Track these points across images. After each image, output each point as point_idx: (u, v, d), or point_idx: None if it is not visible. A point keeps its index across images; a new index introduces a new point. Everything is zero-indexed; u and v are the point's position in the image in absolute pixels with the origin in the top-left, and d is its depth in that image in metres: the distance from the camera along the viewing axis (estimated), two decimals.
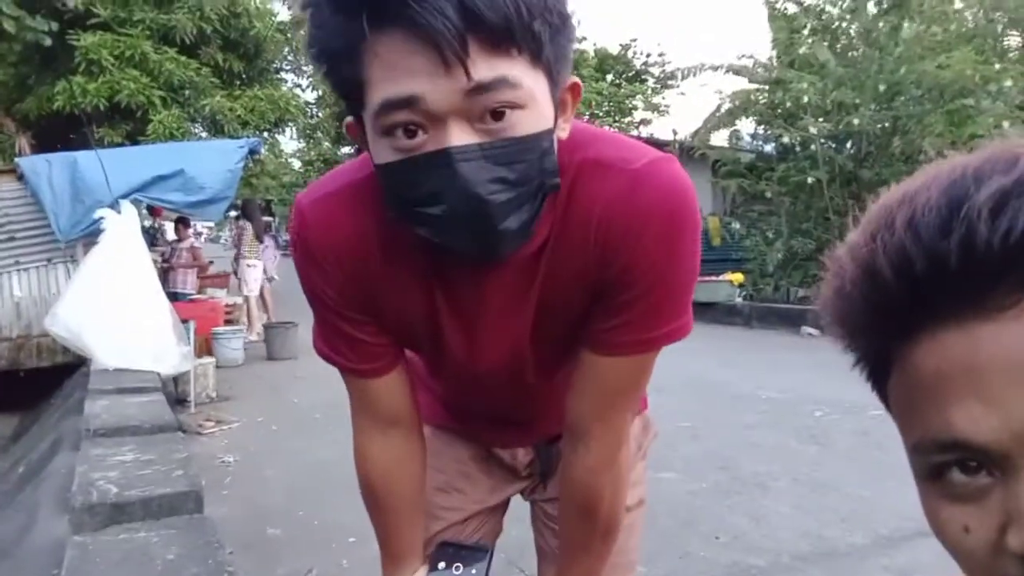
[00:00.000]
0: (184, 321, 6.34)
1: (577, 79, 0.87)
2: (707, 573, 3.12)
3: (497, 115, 0.76)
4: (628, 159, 0.91)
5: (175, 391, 6.28)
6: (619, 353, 0.99)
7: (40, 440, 5.29)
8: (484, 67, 0.73)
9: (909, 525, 3.32)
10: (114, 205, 6.47)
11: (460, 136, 0.76)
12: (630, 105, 21.45)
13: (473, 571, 1.15)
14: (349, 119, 0.87)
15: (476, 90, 0.74)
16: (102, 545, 2.40)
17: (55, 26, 10.61)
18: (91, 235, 6.49)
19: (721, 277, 11.17)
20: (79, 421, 4.08)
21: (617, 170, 0.90)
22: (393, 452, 1.14)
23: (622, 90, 21.26)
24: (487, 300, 0.98)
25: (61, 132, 11.63)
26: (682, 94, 26.53)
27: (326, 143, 24.28)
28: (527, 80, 0.77)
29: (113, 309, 5.51)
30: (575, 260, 0.94)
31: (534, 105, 0.78)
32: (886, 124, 10.29)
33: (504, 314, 1.00)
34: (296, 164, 29.38)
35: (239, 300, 10.22)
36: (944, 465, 0.44)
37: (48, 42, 10.59)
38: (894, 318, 0.45)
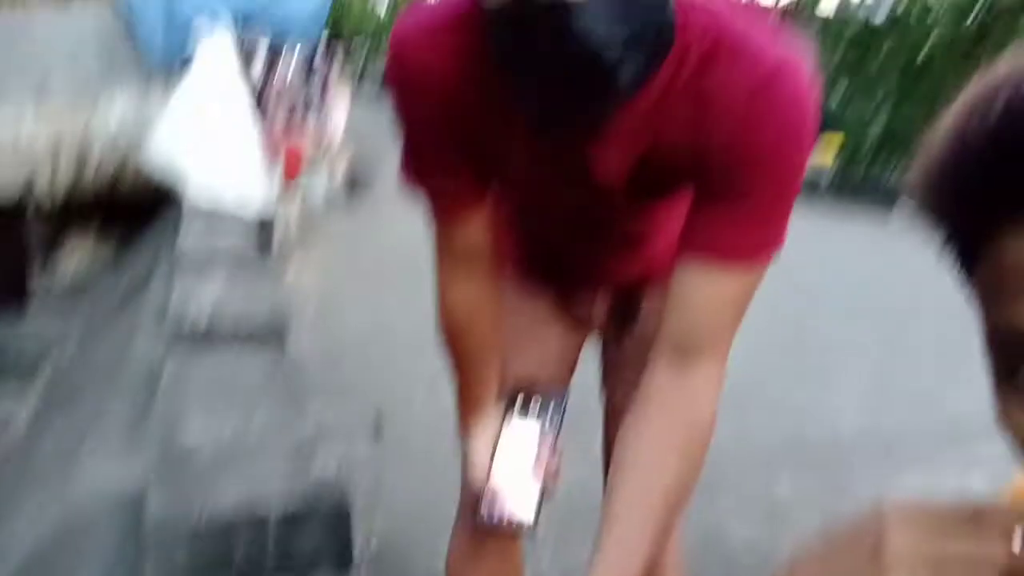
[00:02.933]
0: (272, 159, 6.45)
1: None
2: (765, 443, 3.16)
3: None
4: (763, 54, 0.88)
5: (259, 232, 6.49)
6: (721, 260, 0.96)
7: (136, 266, 5.61)
8: None
9: (981, 420, 3.28)
10: (208, 32, 6.46)
11: None
12: None
13: (549, 412, 1.20)
14: None
15: None
16: (195, 366, 2.57)
17: None
18: (185, 62, 6.53)
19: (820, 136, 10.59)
20: (172, 251, 4.29)
21: (750, 65, 0.88)
22: (473, 291, 1.16)
23: None
24: (589, 150, 0.96)
25: None
26: None
27: None
28: None
29: (206, 142, 5.61)
30: (693, 137, 0.92)
31: None
32: None
33: (605, 164, 0.98)
34: (381, 11, 28.75)
35: (323, 143, 10.30)
36: (1017, 358, 0.43)
37: None
38: (980, 204, 0.43)
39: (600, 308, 1.38)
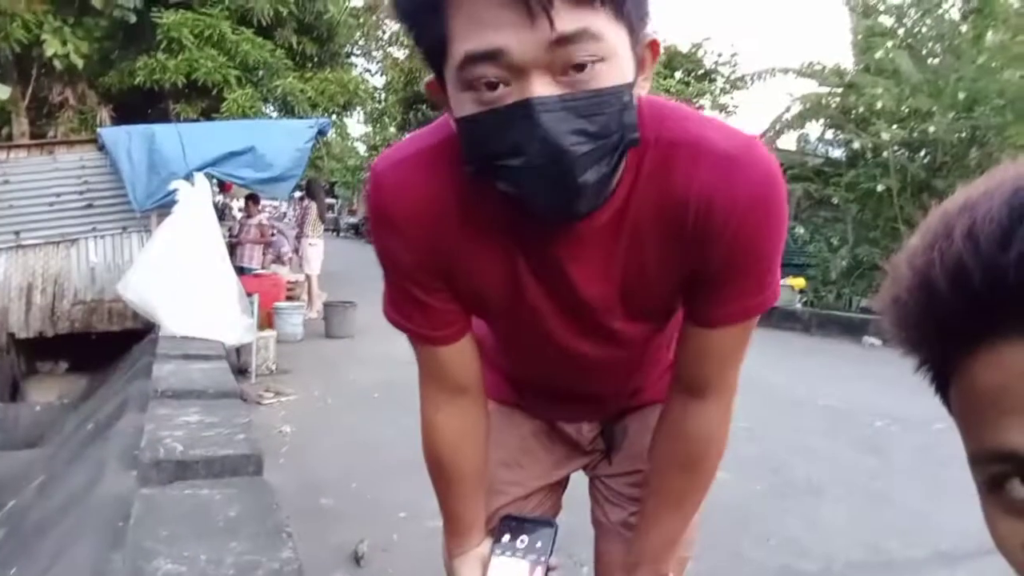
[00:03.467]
0: (248, 294, 6.51)
1: (656, 36, 0.86)
2: (757, 574, 3.09)
3: (579, 67, 0.77)
4: (721, 142, 0.91)
5: (237, 361, 6.44)
6: (724, 324, 1.00)
7: (108, 400, 5.49)
8: (568, 18, 0.74)
9: (970, 543, 3.22)
10: (188, 178, 6.66)
11: (542, 88, 0.76)
12: (698, 104, 21.18)
13: (539, 544, 1.15)
14: (430, 77, 0.88)
15: (559, 42, 0.74)
16: (167, 499, 2.49)
17: (140, 3, 10.98)
18: (165, 206, 6.69)
19: (782, 281, 10.94)
20: (146, 383, 4.22)
21: (712, 154, 0.90)
22: (460, 421, 1.15)
23: (690, 88, 21.00)
24: (569, 265, 0.97)
25: (140, 106, 11.99)
26: (751, 96, 26.02)
27: (392, 128, 24.54)
28: (609, 33, 0.77)
29: (182, 278, 5.67)
30: (669, 239, 0.94)
31: (615, 58, 0.78)
32: (963, 134, 9.95)
33: (588, 280, 0.99)
34: (361, 148, 29.77)
35: (300, 278, 10.42)
36: (1003, 476, 0.43)
37: (133, 19, 10.97)
38: (951, 329, 0.44)
39: (589, 433, 1.38)
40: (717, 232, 0.91)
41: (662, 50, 0.89)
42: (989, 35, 9.73)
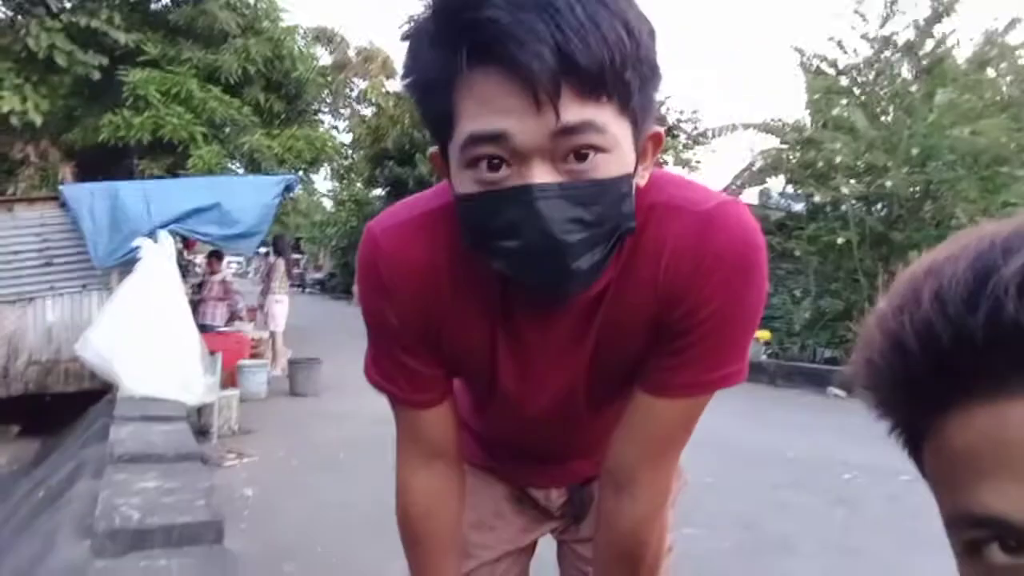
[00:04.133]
0: (211, 353, 6.39)
1: (660, 129, 0.88)
2: None
3: (580, 156, 0.78)
4: (697, 201, 0.92)
5: (198, 422, 6.30)
6: (675, 395, 0.98)
7: (62, 465, 5.31)
8: (573, 110, 0.75)
9: None
10: (151, 235, 6.59)
11: (543, 174, 0.78)
12: (661, 160, 21.55)
13: None
14: (434, 148, 0.89)
15: (563, 132, 0.76)
16: (123, 571, 2.39)
17: (105, 61, 11.00)
18: (127, 263, 6.60)
19: None
20: (102, 447, 4.11)
21: (686, 212, 0.91)
22: (436, 485, 1.14)
23: None
24: (547, 339, 0.99)
25: (104, 163, 11.92)
26: (713, 151, 26.70)
27: (358, 184, 24.64)
28: (613, 126, 0.78)
29: (144, 337, 5.57)
30: (640, 301, 0.94)
31: (617, 150, 0.80)
32: (918, 188, 10.25)
33: (562, 353, 1.00)
34: (328, 204, 29.81)
35: (265, 335, 10.29)
36: (981, 541, 0.42)
37: (97, 76, 10.97)
38: (923, 391, 0.44)
39: (558, 499, 1.37)
40: (684, 288, 0.91)
41: (665, 140, 0.91)
42: (939, 94, 10.11)
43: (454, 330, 1.01)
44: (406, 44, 0.82)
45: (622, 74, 0.75)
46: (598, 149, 0.78)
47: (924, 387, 0.44)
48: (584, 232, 0.80)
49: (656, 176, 0.96)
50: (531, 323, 0.98)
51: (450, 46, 0.76)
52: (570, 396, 1.06)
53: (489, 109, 0.76)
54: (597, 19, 0.73)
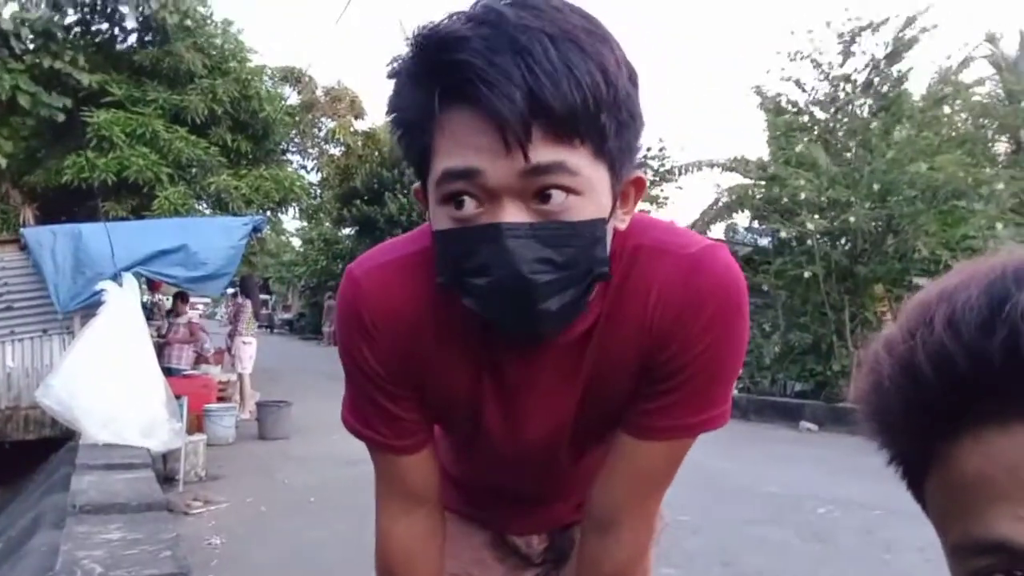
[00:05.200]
0: (177, 397, 6.26)
1: (642, 174, 0.89)
2: None
3: (547, 197, 0.78)
4: (683, 244, 0.92)
5: (164, 468, 6.14)
6: (659, 438, 0.97)
7: (21, 516, 5.14)
8: (544, 152, 0.75)
9: None
10: (116, 277, 6.48)
11: (513, 214, 0.78)
12: None
13: None
14: (417, 184, 0.90)
15: (532, 171, 0.76)
16: None
17: (69, 103, 10.92)
18: (90, 307, 6.47)
19: None
20: (64, 497, 3.98)
21: (673, 254, 0.91)
22: (416, 532, 1.11)
23: None
24: (533, 382, 0.97)
25: (67, 204, 11.78)
26: (680, 188, 27.09)
27: (327, 223, 24.58)
28: (587, 170, 0.78)
29: (107, 382, 5.44)
30: (628, 343, 0.93)
31: (591, 194, 0.80)
32: (880, 223, 10.47)
33: (549, 396, 0.99)
34: (296, 243, 29.66)
35: (232, 377, 10.12)
36: (988, 571, 0.42)
37: (61, 118, 10.88)
38: (934, 416, 0.44)
39: (539, 546, 1.34)
40: (671, 330, 0.91)
41: (648, 185, 0.91)
42: (897, 130, 10.39)
43: (437, 373, 0.99)
44: (391, 82, 0.83)
45: (596, 118, 0.76)
46: (569, 190, 0.78)
47: (936, 412, 0.43)
48: (553, 274, 0.80)
49: (640, 219, 0.96)
50: (516, 365, 0.97)
51: (427, 86, 0.77)
52: (555, 439, 1.04)
53: (462, 146, 0.77)
54: (572, 63, 0.73)
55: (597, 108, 0.75)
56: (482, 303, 0.83)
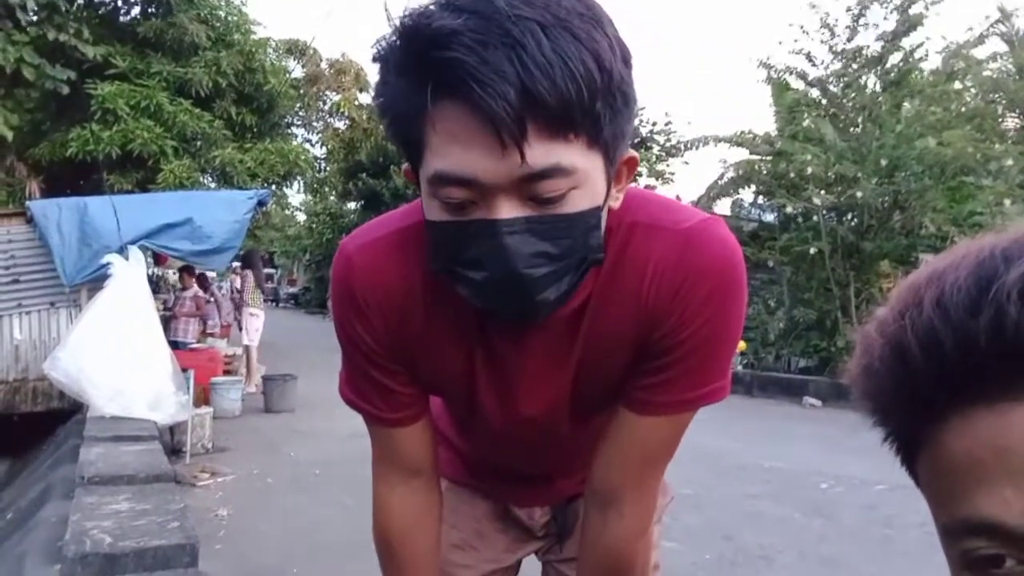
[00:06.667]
0: (184, 370, 6.30)
1: (635, 153, 0.87)
2: None
3: (545, 199, 0.77)
4: (678, 220, 0.92)
5: (171, 441, 6.20)
6: (660, 413, 0.97)
7: (30, 487, 5.19)
8: (540, 151, 0.73)
9: None
10: (122, 251, 6.49)
11: (509, 210, 0.77)
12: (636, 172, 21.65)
13: None
14: (406, 165, 0.88)
15: (528, 177, 0.75)
16: None
17: (73, 75, 10.86)
18: (96, 280, 6.49)
19: None
20: (72, 468, 4.01)
21: (668, 231, 0.91)
22: (413, 504, 1.13)
23: None
24: (527, 357, 0.98)
25: (72, 178, 11.77)
26: (686, 163, 26.87)
27: (332, 197, 24.53)
28: (582, 162, 0.77)
29: (114, 355, 5.47)
30: (623, 319, 0.93)
31: (587, 185, 0.79)
32: (887, 198, 10.41)
33: (543, 371, 0.99)
34: (301, 217, 29.63)
35: (238, 351, 10.17)
36: (976, 550, 0.42)
37: (66, 90, 10.83)
38: (923, 397, 0.44)
39: (541, 518, 1.35)
40: (668, 306, 0.91)
41: (640, 164, 0.90)
42: (906, 105, 10.29)
43: (430, 349, 1.00)
44: (376, 65, 0.81)
45: (591, 109, 0.74)
46: (566, 190, 0.77)
47: (924, 393, 0.44)
48: (550, 266, 0.80)
49: (636, 194, 0.95)
50: (508, 342, 0.97)
51: (417, 81, 0.74)
52: (552, 414, 1.05)
53: (455, 145, 0.75)
54: (566, 54, 0.71)
55: (592, 98, 0.73)
56: (477, 295, 0.83)
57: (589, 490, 1.08)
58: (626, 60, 0.78)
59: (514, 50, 0.70)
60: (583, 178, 0.77)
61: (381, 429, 1.09)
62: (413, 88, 0.75)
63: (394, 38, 0.77)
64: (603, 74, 0.73)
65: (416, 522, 1.13)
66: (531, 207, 0.77)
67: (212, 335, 9.74)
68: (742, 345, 11.07)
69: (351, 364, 1.05)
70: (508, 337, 0.96)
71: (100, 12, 12.39)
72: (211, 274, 11.35)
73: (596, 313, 0.94)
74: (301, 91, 15.52)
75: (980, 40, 11.06)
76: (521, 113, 0.70)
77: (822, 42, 11.25)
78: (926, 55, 10.83)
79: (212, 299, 9.99)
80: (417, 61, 0.74)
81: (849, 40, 11.09)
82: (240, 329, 10.30)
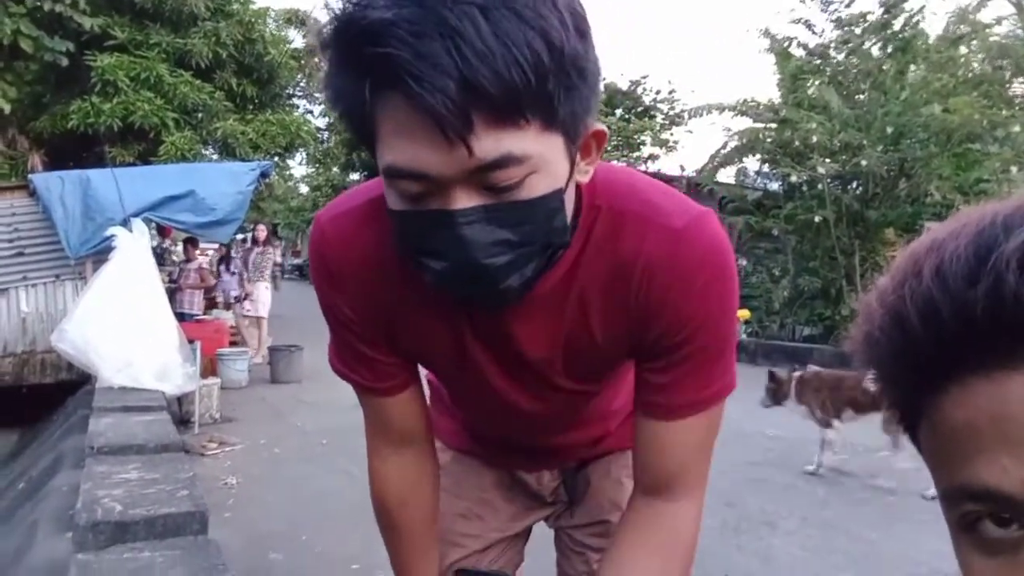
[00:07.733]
0: (190, 341, 6.33)
1: (603, 127, 0.84)
2: None
3: (500, 188, 0.74)
4: (670, 214, 0.90)
5: (179, 411, 6.25)
6: (680, 416, 0.96)
7: (41, 457, 5.25)
8: (489, 142, 0.70)
9: (921, 571, 3.27)
10: (125, 223, 6.50)
11: (465, 200, 0.74)
12: (639, 140, 21.59)
13: None
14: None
15: (478, 168, 0.72)
16: (106, 564, 2.36)
17: (72, 47, 10.78)
18: (101, 252, 6.51)
19: None
20: (82, 439, 4.05)
21: (659, 227, 0.89)
22: (407, 472, 1.13)
23: (631, 125, 21.39)
24: (514, 325, 0.96)
25: (74, 150, 11.72)
26: (690, 132, 26.59)
27: (335, 169, 24.44)
28: (536, 148, 0.73)
29: (121, 327, 5.49)
30: (615, 308, 0.93)
31: (545, 168, 0.75)
32: (892, 166, 10.33)
33: (532, 340, 0.97)
34: (304, 189, 29.56)
35: (245, 322, 10.21)
36: (976, 515, 0.43)
37: (65, 62, 10.75)
38: (922, 366, 0.44)
39: (550, 484, 1.35)
40: (659, 305, 0.90)
41: (607, 134, 0.86)
42: (911, 71, 10.18)
43: (410, 318, 0.98)
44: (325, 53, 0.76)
45: (542, 91, 0.69)
46: (521, 177, 0.74)
47: (924, 362, 0.44)
48: (511, 254, 0.77)
49: (628, 178, 0.94)
50: (490, 316, 0.95)
51: (355, 77, 0.71)
52: (546, 379, 1.03)
53: (404, 138, 0.72)
54: (508, 38, 0.66)
55: (542, 80, 0.68)
56: (441, 284, 0.82)
57: (636, 484, 1.03)
58: (582, 32, 0.73)
59: (452, 40, 0.65)
60: (540, 162, 0.74)
61: (370, 399, 1.09)
62: (353, 84, 0.71)
63: (329, 30, 0.73)
64: (553, 53, 0.68)
65: (411, 491, 1.14)
66: (488, 195, 0.74)
67: (217, 304, 9.76)
68: (746, 314, 11.09)
69: (334, 335, 1.06)
70: (489, 313, 0.94)
71: None
72: (215, 246, 11.34)
73: (584, 292, 0.93)
74: (302, 62, 15.38)
75: (984, 3, 10.89)
76: (464, 106, 0.67)
77: (821, 10, 11.12)
78: (924, 18, 10.68)
79: (235, 271, 10.00)
80: (353, 57, 0.70)
81: (848, 5, 10.95)
82: (252, 301, 10.27)
